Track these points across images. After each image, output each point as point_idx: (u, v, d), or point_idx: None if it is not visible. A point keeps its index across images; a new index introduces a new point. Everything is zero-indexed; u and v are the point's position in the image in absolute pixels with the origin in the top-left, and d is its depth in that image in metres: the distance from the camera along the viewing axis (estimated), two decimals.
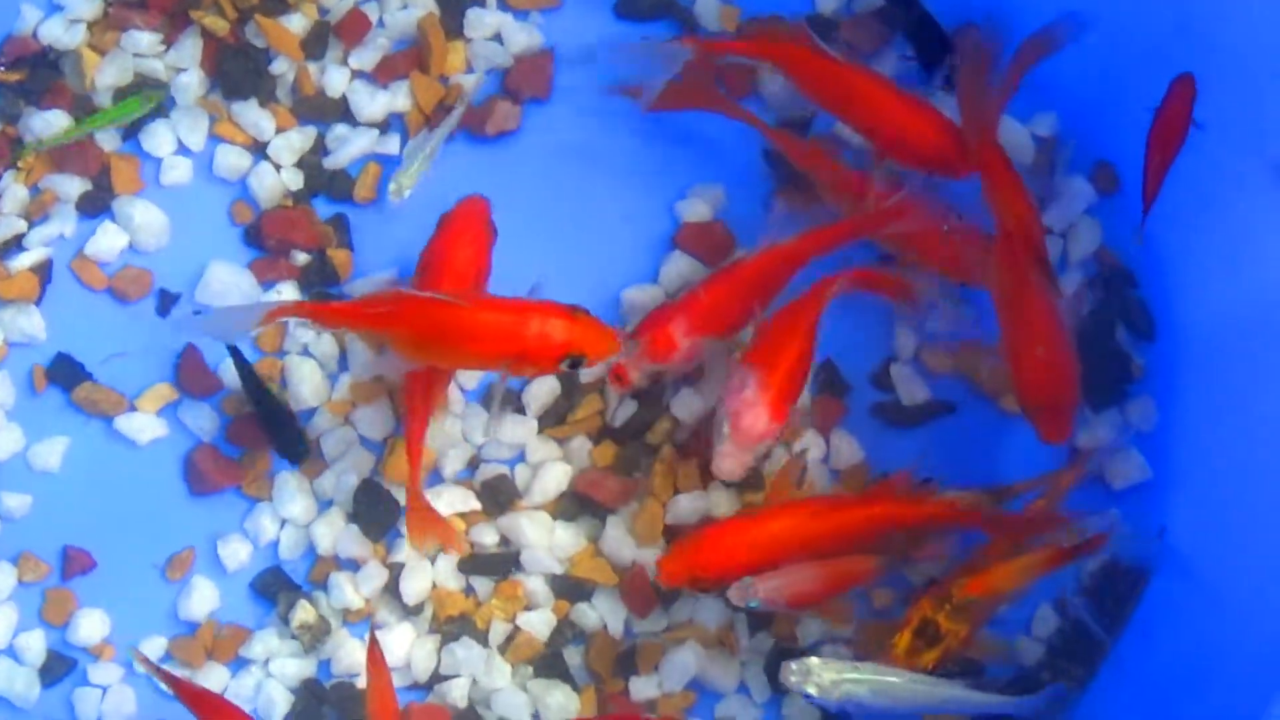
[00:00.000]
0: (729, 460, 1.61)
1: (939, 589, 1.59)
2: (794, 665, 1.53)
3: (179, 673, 1.65)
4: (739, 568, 1.57)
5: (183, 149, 1.77)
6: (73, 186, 1.76)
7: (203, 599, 1.68)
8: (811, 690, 1.52)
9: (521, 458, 1.71)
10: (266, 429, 1.69)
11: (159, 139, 1.77)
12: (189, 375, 1.72)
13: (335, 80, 1.77)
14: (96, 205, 1.76)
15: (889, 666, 1.55)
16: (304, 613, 1.67)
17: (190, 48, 1.78)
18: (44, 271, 1.74)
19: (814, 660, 1.53)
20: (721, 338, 1.67)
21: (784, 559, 1.58)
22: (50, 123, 1.75)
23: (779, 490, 1.64)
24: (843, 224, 1.68)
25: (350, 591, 1.67)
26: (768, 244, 1.66)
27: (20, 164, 1.76)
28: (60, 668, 1.67)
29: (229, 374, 1.72)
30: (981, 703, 1.56)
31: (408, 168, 1.69)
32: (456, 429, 1.71)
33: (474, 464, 1.71)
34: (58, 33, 1.77)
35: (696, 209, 1.75)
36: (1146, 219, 1.60)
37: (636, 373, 1.64)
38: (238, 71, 1.77)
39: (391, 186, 1.69)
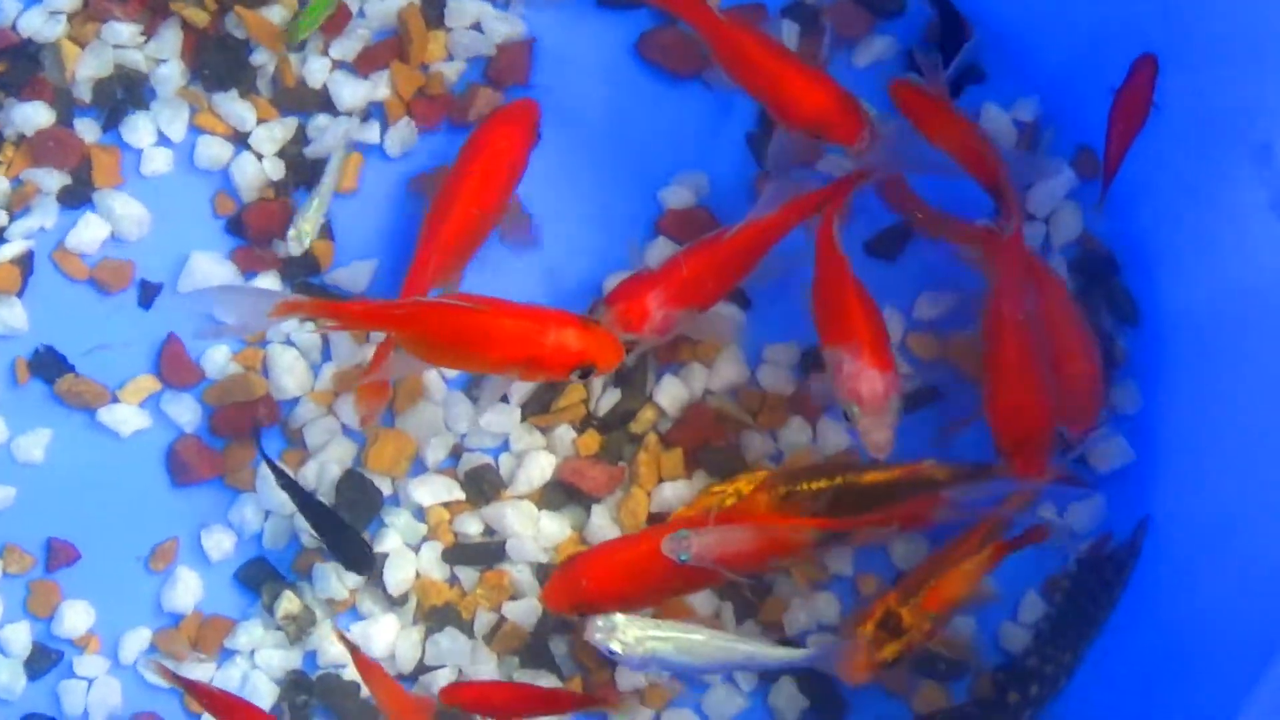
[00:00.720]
0: (877, 434, 1.54)
1: (906, 582, 1.59)
2: (599, 622, 1.52)
3: (165, 664, 1.63)
4: (618, 592, 1.55)
5: (163, 140, 1.76)
6: (53, 179, 1.74)
7: (187, 590, 1.67)
8: (616, 647, 1.52)
9: (505, 446, 1.70)
10: (325, 542, 1.64)
11: (139, 130, 1.75)
12: (171, 366, 1.71)
13: (315, 70, 1.76)
14: (77, 197, 1.74)
15: (693, 624, 1.56)
16: (289, 603, 1.66)
17: (170, 39, 1.76)
18: (25, 263, 1.73)
19: (619, 617, 1.52)
20: (698, 310, 1.64)
21: (662, 581, 1.56)
22: (30, 116, 1.74)
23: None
24: (813, 194, 1.65)
25: (334, 582, 1.66)
26: (747, 220, 1.64)
27: (1, 156, 1.75)
28: (45, 660, 1.67)
29: (211, 364, 1.71)
30: (783, 658, 1.56)
31: (305, 214, 1.67)
32: (439, 417, 1.70)
33: (457, 453, 1.70)
34: (37, 25, 1.75)
35: (680, 195, 1.74)
36: (1106, 194, 1.59)
37: (620, 335, 1.60)
38: (218, 63, 1.75)
39: (291, 234, 1.67)
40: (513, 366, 1.54)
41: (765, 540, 1.55)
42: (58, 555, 1.68)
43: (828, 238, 1.61)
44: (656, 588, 1.58)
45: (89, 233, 1.73)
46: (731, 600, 1.66)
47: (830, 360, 1.57)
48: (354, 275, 1.72)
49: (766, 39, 1.64)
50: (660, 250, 1.73)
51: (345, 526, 1.63)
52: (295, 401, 1.70)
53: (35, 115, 1.74)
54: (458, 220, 1.63)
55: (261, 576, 1.68)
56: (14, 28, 1.76)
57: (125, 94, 1.76)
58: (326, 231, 1.73)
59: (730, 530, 1.53)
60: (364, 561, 1.63)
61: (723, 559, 1.53)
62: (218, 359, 1.71)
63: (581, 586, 1.55)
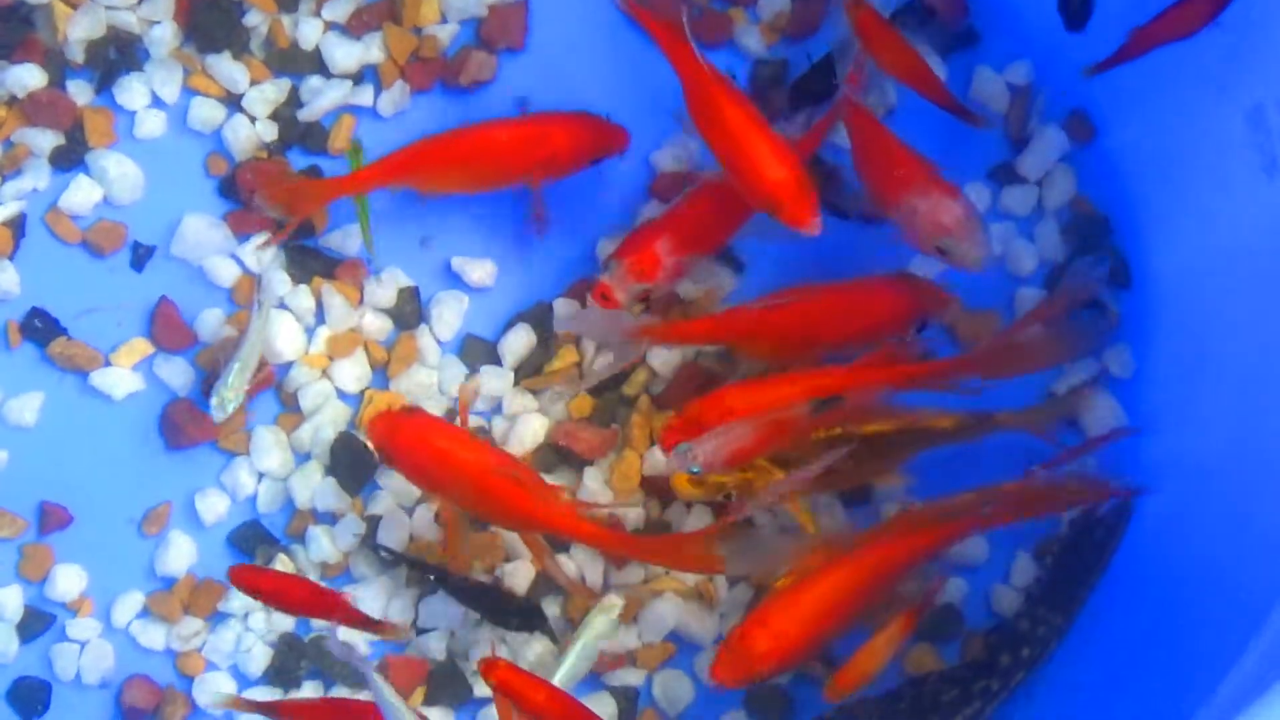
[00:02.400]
0: (977, 251, 1.52)
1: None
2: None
3: (157, 626, 1.63)
4: (796, 650, 1.50)
5: (157, 102, 1.72)
6: (45, 140, 1.71)
7: (180, 553, 1.64)
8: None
9: (499, 409, 1.68)
10: (492, 619, 1.61)
11: (132, 92, 1.72)
12: (164, 329, 1.68)
13: (309, 32, 1.73)
14: (70, 159, 1.71)
15: None
16: (282, 567, 1.64)
17: (163, 1, 1.73)
18: (17, 226, 1.69)
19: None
20: (706, 254, 1.62)
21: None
22: (21, 78, 1.71)
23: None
24: (812, 134, 1.63)
25: (328, 545, 1.64)
26: None
27: None
28: (38, 623, 1.64)
29: (204, 327, 1.68)
30: None
31: (227, 381, 1.60)
32: (433, 380, 1.68)
33: (450, 416, 1.67)
34: None
35: (671, 159, 1.72)
36: (1100, 68, 1.55)
37: (623, 294, 1.59)
38: (211, 24, 1.72)
39: (214, 401, 1.61)
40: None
41: (766, 429, 1.50)
42: (50, 519, 1.65)
43: (855, 108, 1.60)
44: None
45: (81, 195, 1.70)
46: None
47: (903, 217, 1.55)
48: (346, 237, 1.69)
49: (742, 102, 1.55)
50: (653, 213, 1.70)
51: (513, 597, 1.61)
52: (289, 365, 1.67)
53: (27, 77, 1.71)
54: (465, 147, 1.63)
55: (255, 540, 1.65)
56: None
57: (118, 55, 1.72)
58: None
59: (728, 429, 1.49)
60: (534, 618, 1.60)
61: (732, 459, 1.49)
62: (211, 322, 1.68)
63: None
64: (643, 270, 1.59)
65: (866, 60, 1.62)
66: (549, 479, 1.64)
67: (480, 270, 1.70)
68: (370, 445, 1.59)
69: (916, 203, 1.54)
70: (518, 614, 1.60)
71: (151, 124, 1.72)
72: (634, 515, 1.63)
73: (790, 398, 1.53)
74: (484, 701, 1.63)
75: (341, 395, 1.68)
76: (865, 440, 1.56)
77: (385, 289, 1.69)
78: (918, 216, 1.53)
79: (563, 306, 1.69)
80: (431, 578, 1.60)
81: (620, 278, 1.59)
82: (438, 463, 1.53)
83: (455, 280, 1.70)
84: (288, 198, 1.64)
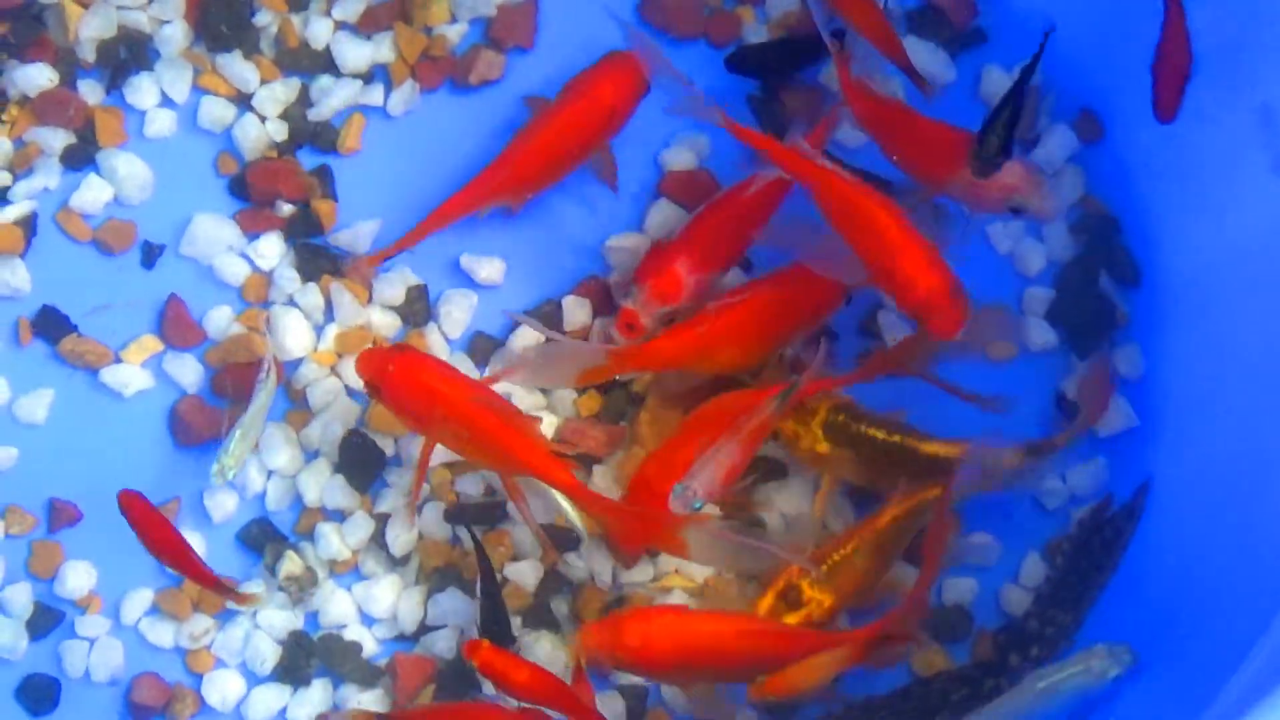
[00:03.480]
0: (1050, 200, 1.53)
1: (810, 556, 1.53)
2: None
3: (166, 624, 1.61)
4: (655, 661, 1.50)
5: (166, 101, 1.71)
6: (57, 139, 1.69)
7: None
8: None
9: None
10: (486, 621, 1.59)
11: (143, 91, 1.70)
12: (173, 327, 1.66)
13: (319, 31, 1.71)
14: (80, 158, 1.69)
15: None
16: (291, 564, 1.62)
17: (173, 0, 1.72)
18: (28, 224, 1.68)
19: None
20: (724, 270, 1.61)
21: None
22: (33, 77, 1.69)
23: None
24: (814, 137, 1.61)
25: (337, 542, 1.62)
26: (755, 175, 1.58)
27: (4, 117, 1.70)
28: (47, 620, 1.62)
29: (214, 325, 1.66)
30: None
31: (228, 448, 1.56)
32: None
33: None
34: None
35: (681, 157, 1.70)
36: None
37: (647, 319, 1.58)
38: (221, 23, 1.70)
39: (214, 468, 1.57)
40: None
41: (748, 439, 1.49)
42: (60, 516, 1.63)
43: (877, 97, 1.58)
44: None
45: (92, 194, 1.69)
46: None
47: (963, 189, 1.53)
48: (356, 236, 1.67)
49: (887, 204, 1.50)
50: (661, 213, 1.69)
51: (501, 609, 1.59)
52: (299, 362, 1.65)
53: (38, 76, 1.69)
54: (541, 146, 1.62)
55: (264, 537, 1.63)
56: None
57: (129, 55, 1.71)
58: (330, 192, 1.69)
59: (713, 454, 1.47)
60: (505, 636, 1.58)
61: (727, 479, 1.47)
62: (220, 320, 1.66)
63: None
64: (666, 292, 1.57)
65: (852, 47, 1.60)
66: None
67: (489, 268, 1.68)
68: (361, 380, 1.56)
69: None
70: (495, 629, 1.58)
71: (161, 123, 1.71)
72: None
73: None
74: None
75: (350, 393, 1.66)
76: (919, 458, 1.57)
77: (394, 287, 1.67)
78: (981, 185, 1.52)
79: (571, 305, 1.67)
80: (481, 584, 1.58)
81: (644, 302, 1.57)
82: (424, 397, 1.52)
83: (464, 278, 1.68)
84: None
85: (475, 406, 1.52)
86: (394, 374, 1.52)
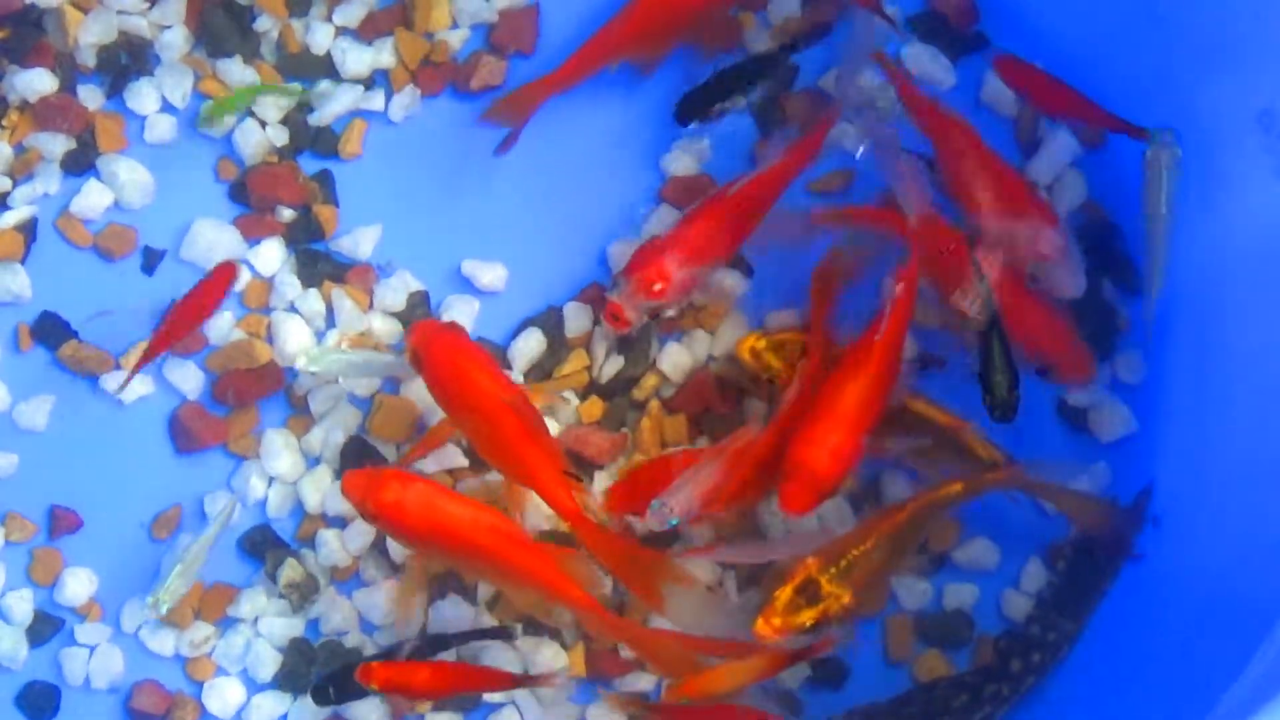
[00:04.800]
0: (1074, 279, 1.54)
1: (827, 550, 1.51)
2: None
3: (167, 632, 1.58)
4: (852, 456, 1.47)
5: (167, 106, 1.67)
6: (57, 144, 1.65)
7: None
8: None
9: None
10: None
11: (143, 97, 1.66)
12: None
13: (319, 37, 1.67)
14: (81, 163, 1.66)
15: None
16: (292, 571, 1.59)
17: (174, 4, 1.67)
18: (29, 230, 1.64)
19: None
20: (714, 266, 1.57)
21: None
22: (32, 82, 1.66)
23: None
24: (809, 139, 1.59)
25: (338, 549, 1.59)
26: (749, 173, 1.57)
27: (4, 122, 1.67)
28: (48, 628, 1.59)
29: (214, 331, 1.63)
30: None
31: (165, 583, 1.52)
32: None
33: None
34: None
35: (682, 162, 1.66)
36: None
37: (633, 311, 1.54)
38: (222, 28, 1.67)
39: (149, 600, 1.53)
40: None
41: (728, 461, 1.46)
42: (60, 523, 1.60)
43: (947, 117, 1.57)
44: None
45: (92, 199, 1.65)
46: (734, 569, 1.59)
47: (997, 231, 1.53)
48: (356, 241, 1.64)
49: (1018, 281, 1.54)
50: (662, 219, 1.65)
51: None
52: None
53: (38, 82, 1.66)
54: None
55: (265, 544, 1.60)
56: None
57: (129, 60, 1.67)
58: (331, 198, 1.66)
59: (695, 472, 1.43)
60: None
61: (706, 499, 1.44)
62: (221, 326, 1.63)
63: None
64: (652, 285, 1.53)
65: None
66: None
67: (491, 274, 1.64)
68: (406, 346, 1.53)
69: (1016, 224, 1.52)
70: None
71: (162, 128, 1.67)
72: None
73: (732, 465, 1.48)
74: (494, 706, 1.57)
75: (351, 399, 1.63)
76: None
77: (395, 293, 1.64)
78: (1016, 237, 1.52)
79: (573, 312, 1.64)
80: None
81: (629, 295, 1.54)
82: (459, 381, 1.48)
83: (466, 284, 1.64)
84: (506, 109, 1.62)
85: (503, 407, 1.47)
86: (438, 350, 1.49)
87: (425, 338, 1.50)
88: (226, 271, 1.60)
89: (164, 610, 1.53)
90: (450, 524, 1.46)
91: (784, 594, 1.51)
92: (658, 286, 1.53)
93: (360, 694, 1.51)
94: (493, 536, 1.46)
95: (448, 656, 1.53)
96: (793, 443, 1.46)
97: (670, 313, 1.60)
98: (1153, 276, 1.56)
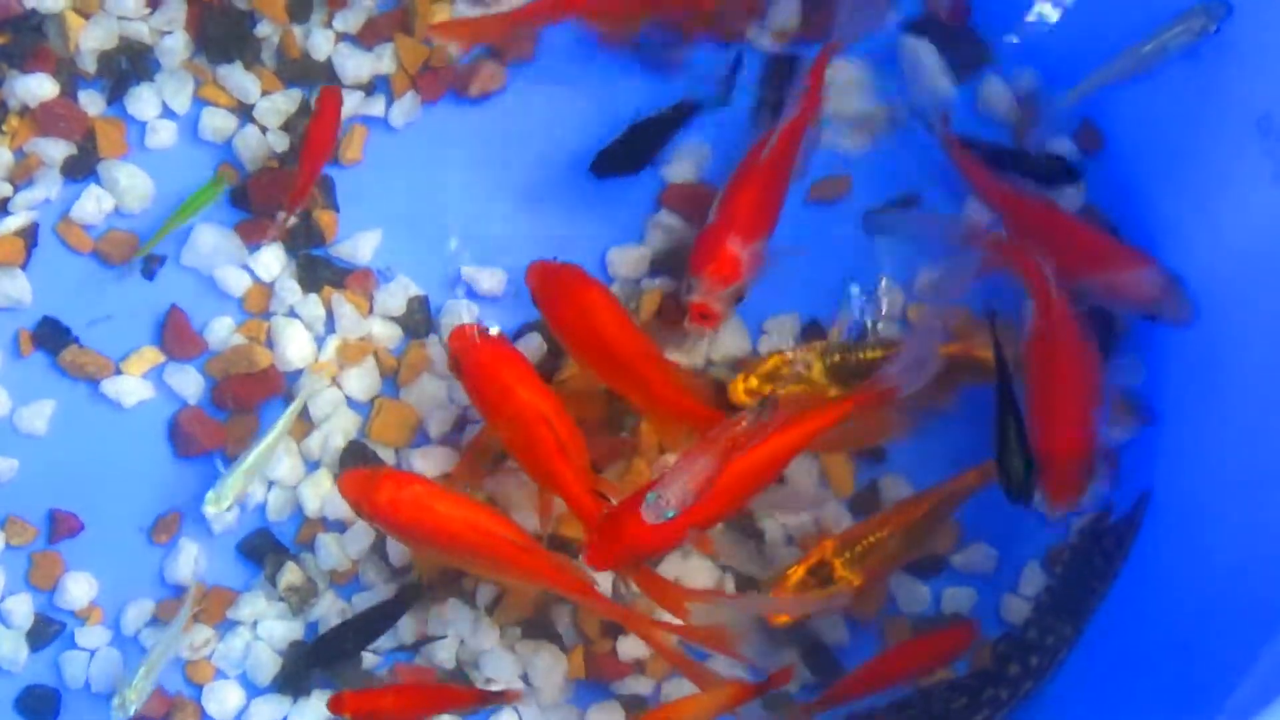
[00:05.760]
0: (1185, 309, 1.53)
1: (844, 535, 1.51)
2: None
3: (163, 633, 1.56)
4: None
5: (168, 112, 1.64)
6: (57, 150, 1.63)
7: (189, 562, 1.56)
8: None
9: None
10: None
11: (144, 102, 1.64)
12: (174, 338, 1.60)
13: (320, 43, 1.65)
14: (81, 169, 1.63)
15: None
16: (291, 575, 1.56)
17: (175, 11, 1.65)
18: (29, 235, 1.61)
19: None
20: (771, 231, 1.55)
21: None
22: (33, 88, 1.63)
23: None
24: (816, 80, 1.59)
25: (337, 553, 1.56)
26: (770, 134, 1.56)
27: (5, 127, 1.64)
28: (48, 631, 1.56)
29: (214, 336, 1.60)
30: None
31: (131, 681, 1.49)
32: (442, 390, 1.59)
33: (460, 425, 1.59)
34: None
35: (682, 169, 1.64)
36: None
37: (718, 304, 1.52)
38: (222, 34, 1.64)
39: (115, 701, 1.49)
40: None
41: (721, 451, 1.40)
42: (60, 527, 1.57)
43: (1020, 197, 1.56)
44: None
45: (92, 205, 1.62)
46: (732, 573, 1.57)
47: (1104, 290, 1.53)
48: (357, 246, 1.61)
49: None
50: (662, 224, 1.63)
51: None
52: (299, 373, 1.59)
53: (39, 87, 1.63)
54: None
55: (264, 548, 1.57)
56: None
57: (130, 66, 1.64)
58: (331, 203, 1.63)
59: (689, 464, 1.38)
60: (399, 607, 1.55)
61: (701, 491, 1.39)
62: (221, 331, 1.60)
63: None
64: (726, 273, 1.51)
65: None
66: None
67: (490, 279, 1.61)
68: (448, 351, 1.52)
69: (1118, 278, 1.52)
70: (386, 615, 1.54)
71: (163, 134, 1.64)
72: None
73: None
74: (491, 710, 1.55)
75: (351, 403, 1.60)
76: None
77: (395, 298, 1.61)
78: (1123, 290, 1.52)
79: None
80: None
81: (708, 290, 1.51)
82: (499, 389, 1.46)
83: (466, 289, 1.62)
84: (460, 29, 1.63)
85: (538, 419, 1.45)
86: (478, 359, 1.48)
87: (465, 346, 1.49)
88: (331, 98, 1.60)
89: (131, 711, 1.50)
90: (444, 522, 1.44)
91: (797, 572, 1.50)
92: (732, 273, 1.51)
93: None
94: (485, 533, 1.44)
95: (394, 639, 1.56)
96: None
97: (746, 289, 1.57)
98: (1092, 78, 1.57)
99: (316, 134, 1.58)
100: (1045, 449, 1.46)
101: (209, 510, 1.51)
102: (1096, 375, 1.51)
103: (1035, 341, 1.50)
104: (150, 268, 1.62)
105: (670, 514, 1.40)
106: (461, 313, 1.61)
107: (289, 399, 1.60)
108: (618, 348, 1.47)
